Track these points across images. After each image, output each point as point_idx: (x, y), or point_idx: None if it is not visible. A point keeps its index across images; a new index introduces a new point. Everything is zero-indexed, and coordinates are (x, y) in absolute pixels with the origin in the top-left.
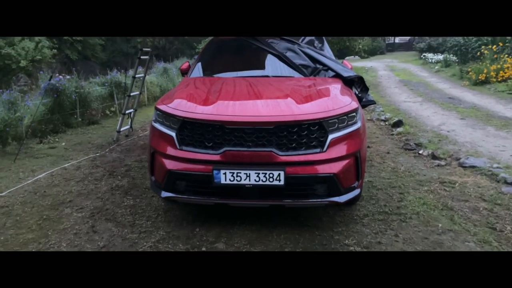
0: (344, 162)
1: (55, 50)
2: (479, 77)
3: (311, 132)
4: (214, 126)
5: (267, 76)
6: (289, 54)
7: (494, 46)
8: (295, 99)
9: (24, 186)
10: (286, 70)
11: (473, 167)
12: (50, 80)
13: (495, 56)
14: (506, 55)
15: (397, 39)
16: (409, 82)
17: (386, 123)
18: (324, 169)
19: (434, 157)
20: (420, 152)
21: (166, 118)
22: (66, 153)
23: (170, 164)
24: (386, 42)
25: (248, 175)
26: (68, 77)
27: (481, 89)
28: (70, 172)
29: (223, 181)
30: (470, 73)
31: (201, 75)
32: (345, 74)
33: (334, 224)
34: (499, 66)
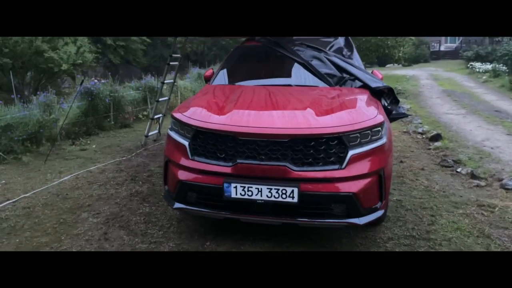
0: (366, 181)
1: (96, 55)
2: None
3: (329, 147)
4: (226, 137)
5: (290, 85)
6: (314, 62)
7: None
8: (315, 111)
9: (49, 187)
10: (311, 79)
11: None
12: (81, 84)
13: None
14: None
15: (443, 47)
16: (453, 93)
17: (424, 136)
18: (343, 188)
19: (473, 176)
20: (459, 170)
21: (181, 126)
22: (95, 156)
23: (182, 175)
24: (431, 50)
25: (259, 190)
26: (103, 81)
27: None
28: (94, 175)
29: (233, 195)
30: None
31: (224, 82)
32: (373, 84)
33: (354, 246)
34: None
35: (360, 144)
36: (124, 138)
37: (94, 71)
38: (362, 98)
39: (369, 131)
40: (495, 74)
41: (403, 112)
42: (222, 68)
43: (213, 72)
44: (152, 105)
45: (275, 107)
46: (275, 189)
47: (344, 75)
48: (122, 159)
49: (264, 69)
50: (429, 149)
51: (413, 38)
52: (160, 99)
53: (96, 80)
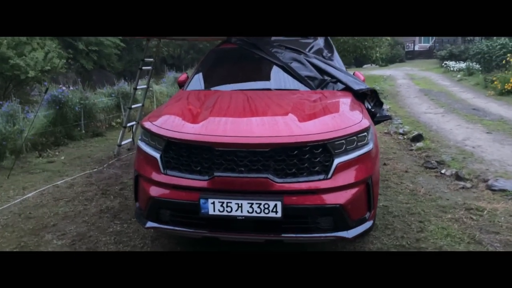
0: (353, 191)
1: (67, 60)
2: (505, 87)
3: (313, 156)
4: (202, 148)
5: (269, 89)
6: (294, 64)
7: None
8: (297, 116)
9: (10, 206)
10: (291, 83)
11: (504, 190)
12: (46, 92)
13: None
14: None
15: (417, 47)
16: (429, 92)
17: (405, 137)
18: (329, 199)
19: (458, 177)
20: (443, 171)
21: (152, 137)
22: (63, 168)
23: (153, 191)
24: (406, 50)
25: (240, 205)
26: (73, 88)
27: (508, 100)
28: (61, 190)
29: (211, 212)
30: (495, 82)
31: (199, 87)
32: (356, 86)
33: None
34: None
35: (346, 152)
36: (95, 147)
37: (65, 77)
38: (346, 101)
39: (355, 137)
40: (469, 72)
41: (386, 114)
42: (197, 72)
43: (188, 76)
44: (125, 112)
45: (254, 114)
46: (256, 203)
47: (326, 77)
48: (92, 171)
49: (241, 73)
50: (411, 150)
51: (388, 38)
52: (133, 106)
53: (64, 88)
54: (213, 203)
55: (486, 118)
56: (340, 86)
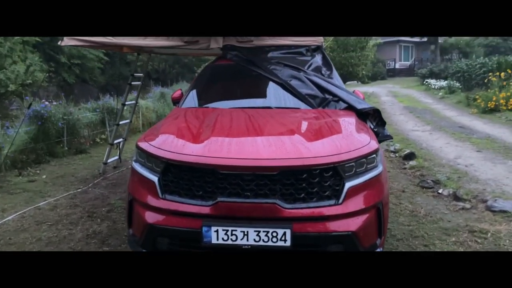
0: (364, 217)
1: (48, 74)
2: (488, 105)
3: (323, 179)
4: (204, 170)
5: (269, 108)
6: (294, 82)
7: (502, 73)
8: (304, 137)
9: None
10: (291, 101)
11: (504, 212)
12: (29, 107)
13: (504, 83)
14: None
15: (398, 65)
16: (414, 109)
17: (397, 154)
18: (341, 226)
19: (456, 198)
20: (440, 191)
21: (148, 158)
22: (45, 188)
23: (150, 217)
24: (387, 67)
25: (245, 233)
26: (55, 102)
27: (491, 118)
28: (44, 213)
29: (214, 241)
30: (478, 100)
31: (195, 105)
32: (359, 106)
33: None
34: (508, 93)
35: (356, 175)
36: (79, 165)
37: (46, 91)
38: (351, 121)
39: (364, 159)
40: (451, 90)
41: (387, 134)
42: (192, 89)
43: (182, 93)
44: (111, 127)
45: (259, 133)
46: (264, 231)
47: (327, 96)
48: (77, 191)
49: (239, 90)
50: (405, 168)
51: (372, 56)
52: (120, 122)
53: (47, 102)
54: (217, 231)
55: (474, 136)
56: (343, 105)
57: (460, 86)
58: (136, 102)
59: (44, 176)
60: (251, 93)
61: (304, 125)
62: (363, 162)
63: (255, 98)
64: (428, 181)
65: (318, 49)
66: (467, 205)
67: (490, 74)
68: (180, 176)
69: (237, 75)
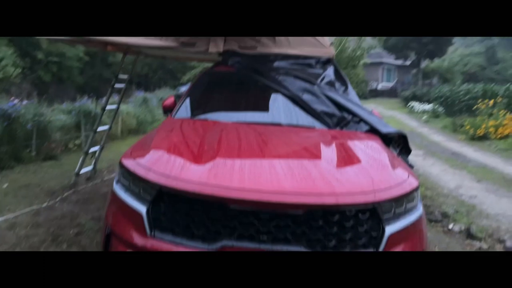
0: None
1: (20, 70)
2: (477, 132)
3: (359, 222)
4: (209, 203)
5: (279, 125)
6: (306, 96)
7: (492, 101)
8: (332, 166)
9: None
10: (304, 118)
11: None
12: None
13: (494, 111)
14: (505, 111)
15: (380, 86)
16: None
17: None
18: None
19: (470, 235)
20: (450, 227)
21: (134, 182)
22: (5, 200)
23: None
24: (369, 88)
25: None
26: (26, 101)
27: (480, 145)
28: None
29: None
30: (467, 127)
31: (191, 115)
32: (384, 129)
33: None
34: (498, 122)
35: (396, 217)
36: (47, 174)
37: (19, 88)
38: (380, 149)
39: (404, 199)
40: (435, 114)
41: (410, 164)
42: (187, 97)
43: (175, 100)
44: (86, 132)
45: (275, 157)
46: None
47: (345, 114)
48: (41, 206)
49: (242, 101)
50: None
51: (360, 75)
52: (99, 129)
53: (16, 101)
54: None
55: (469, 165)
56: (364, 126)
57: (444, 111)
58: (118, 107)
59: (5, 185)
60: (257, 106)
61: (328, 150)
62: (402, 201)
63: (262, 112)
64: (436, 213)
65: (329, 61)
66: (484, 245)
67: (480, 101)
68: (176, 208)
69: (240, 84)
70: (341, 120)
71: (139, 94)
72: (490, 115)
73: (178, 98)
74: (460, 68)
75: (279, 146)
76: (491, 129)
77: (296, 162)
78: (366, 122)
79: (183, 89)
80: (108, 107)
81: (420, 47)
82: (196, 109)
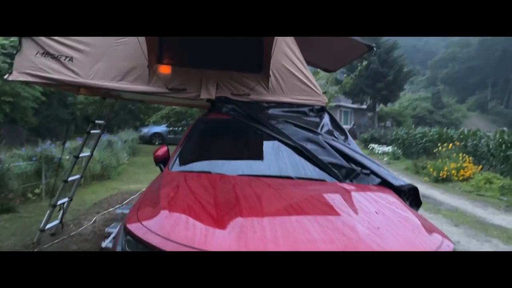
0: None
1: None
2: (440, 175)
3: None
4: None
5: (290, 178)
6: (311, 146)
7: (451, 144)
8: (366, 228)
9: None
10: (312, 170)
11: None
12: None
13: (454, 154)
14: (463, 154)
15: None
16: None
17: None
18: None
19: None
20: None
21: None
22: None
23: None
24: None
25: None
26: None
27: (445, 188)
28: None
29: None
30: (430, 169)
31: (190, 168)
32: (396, 182)
33: None
34: (458, 164)
35: None
36: (5, 230)
37: None
38: (403, 207)
39: None
40: (395, 156)
41: None
42: (184, 147)
43: (168, 150)
44: (47, 179)
45: (302, 214)
46: None
47: (353, 166)
48: None
49: (244, 152)
50: None
51: None
52: (70, 179)
53: None
54: None
55: (442, 208)
56: (375, 179)
57: (402, 153)
58: (91, 154)
59: None
60: (260, 157)
61: (356, 209)
62: None
63: (267, 163)
64: None
65: (323, 109)
66: None
67: (439, 144)
68: None
69: (239, 133)
70: (350, 172)
71: (104, 137)
72: (448, 157)
73: (147, 138)
74: (410, 112)
75: (302, 204)
76: (453, 171)
77: (327, 222)
78: (376, 175)
79: (146, 130)
80: (82, 155)
81: (374, 92)
82: (196, 161)
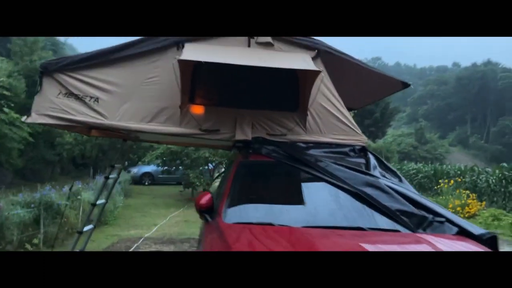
0: None
1: None
2: None
3: None
4: None
5: (361, 229)
6: (372, 191)
7: (452, 181)
8: None
9: None
10: (381, 219)
11: None
12: None
13: (458, 191)
14: (466, 190)
15: None
16: None
17: None
18: None
19: None
20: None
21: None
22: None
23: None
24: None
25: None
26: None
27: None
28: None
29: None
30: None
31: (246, 219)
32: (475, 231)
33: None
34: (463, 201)
35: None
36: None
37: None
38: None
39: None
40: None
41: None
42: (233, 195)
43: (212, 197)
44: (46, 227)
45: None
46: None
47: (424, 213)
48: None
49: (300, 200)
50: None
51: None
52: (84, 229)
53: None
54: None
55: None
56: (452, 228)
57: None
58: (106, 201)
59: None
60: (319, 204)
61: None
62: None
63: (329, 211)
64: None
65: (364, 150)
66: None
67: (440, 180)
68: None
69: (289, 177)
70: (422, 220)
71: (100, 179)
72: (451, 194)
73: (137, 179)
74: (395, 148)
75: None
76: (458, 208)
77: None
78: (453, 223)
79: (135, 170)
80: (98, 202)
81: (363, 129)
82: (252, 211)
